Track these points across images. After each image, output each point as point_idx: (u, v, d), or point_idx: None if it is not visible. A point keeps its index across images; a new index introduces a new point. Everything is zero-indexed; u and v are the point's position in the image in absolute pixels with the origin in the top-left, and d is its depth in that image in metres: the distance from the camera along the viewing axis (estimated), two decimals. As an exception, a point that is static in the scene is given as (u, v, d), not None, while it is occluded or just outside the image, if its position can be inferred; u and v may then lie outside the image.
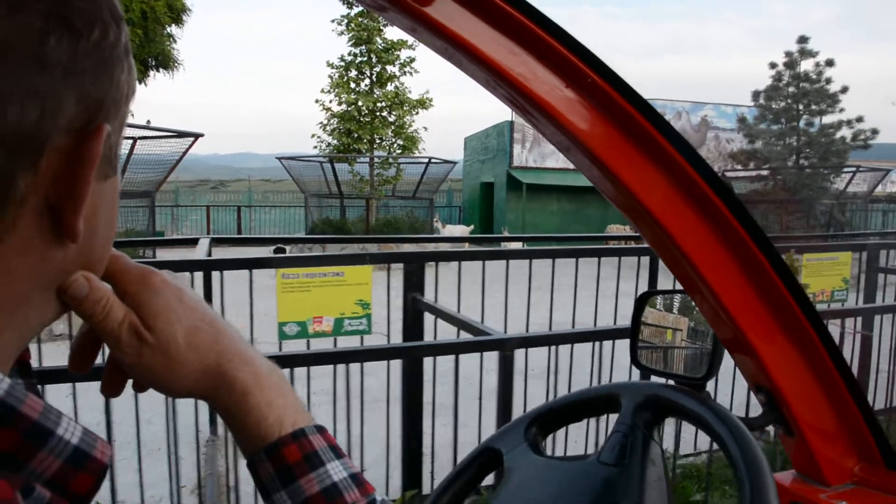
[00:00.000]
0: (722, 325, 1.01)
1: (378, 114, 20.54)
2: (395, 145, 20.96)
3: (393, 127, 20.65)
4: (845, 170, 20.01)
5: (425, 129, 21.19)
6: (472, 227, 23.91)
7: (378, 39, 20.12)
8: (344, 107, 20.44)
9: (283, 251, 9.37)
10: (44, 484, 0.44)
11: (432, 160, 20.22)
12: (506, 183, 24.39)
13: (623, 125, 0.89)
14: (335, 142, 20.78)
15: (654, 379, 1.10)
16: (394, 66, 20.46)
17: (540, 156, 24.41)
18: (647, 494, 0.93)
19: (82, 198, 0.47)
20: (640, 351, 1.13)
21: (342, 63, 20.61)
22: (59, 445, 0.45)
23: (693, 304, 1.07)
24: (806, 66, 20.26)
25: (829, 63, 20.30)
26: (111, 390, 0.63)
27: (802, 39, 20.45)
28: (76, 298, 0.52)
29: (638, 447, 0.96)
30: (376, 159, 20.41)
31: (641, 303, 1.13)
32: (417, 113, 21.00)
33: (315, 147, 21.23)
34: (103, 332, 0.57)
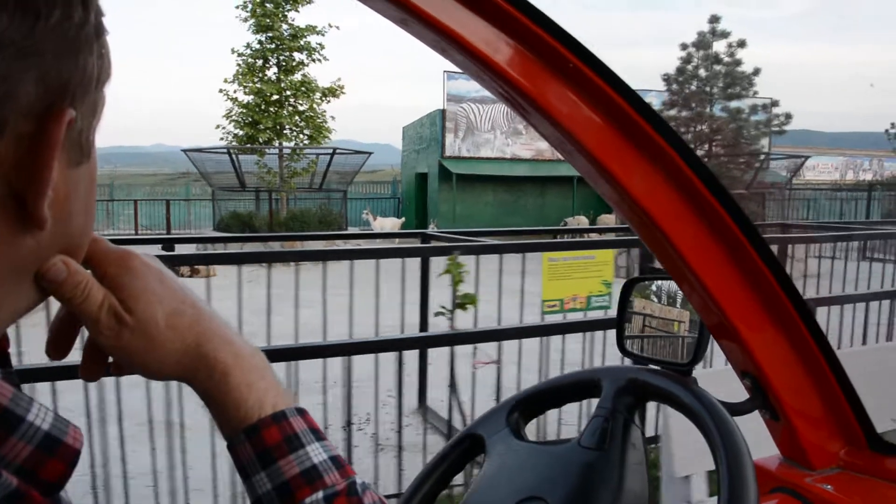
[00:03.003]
0: (708, 312, 1.02)
1: (285, 102, 20.11)
2: (303, 135, 20.52)
3: (301, 116, 20.22)
4: (763, 156, 20.07)
5: (332, 118, 20.86)
6: (402, 219, 23.70)
7: (284, 26, 19.64)
8: (251, 97, 19.94)
9: (172, 250, 8.98)
10: (14, 472, 0.44)
11: (338, 150, 19.80)
12: (438, 173, 23.89)
13: (607, 112, 0.89)
14: (240, 132, 20.28)
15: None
16: (301, 53, 20.03)
17: (474, 145, 23.94)
18: (628, 478, 0.93)
19: (45, 184, 0.45)
20: (626, 338, 1.12)
21: (248, 51, 20.09)
22: (30, 431, 0.45)
23: (679, 290, 1.07)
24: (718, 47, 19.69)
25: (741, 44, 19.66)
26: (89, 374, 0.62)
27: (714, 19, 19.79)
28: (54, 283, 0.52)
29: (619, 431, 0.97)
30: (278, 150, 19.99)
31: (628, 289, 1.13)
32: (329, 101, 20.61)
33: (221, 138, 20.68)
34: (83, 315, 0.56)
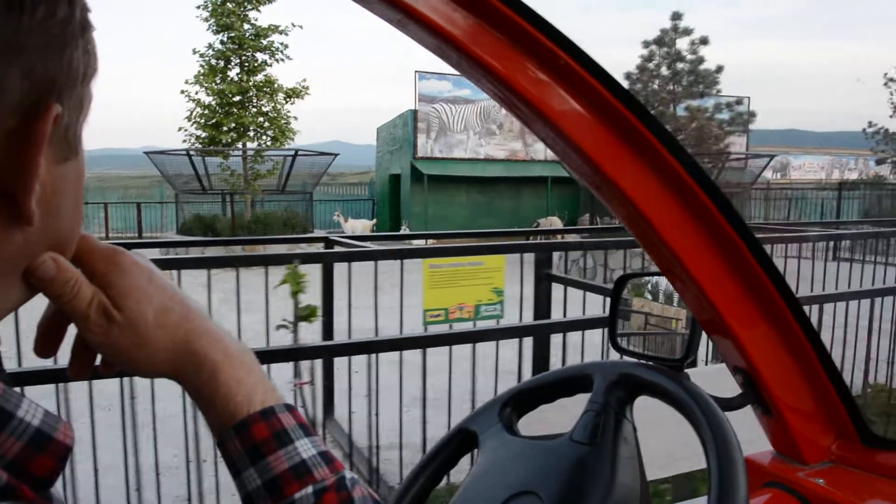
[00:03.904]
0: (700, 308, 1.02)
1: (248, 103, 19.98)
2: (266, 136, 20.40)
3: (265, 117, 20.12)
4: (725, 156, 19.72)
5: (295, 118, 20.79)
6: (375, 221, 23.56)
7: (246, 25, 19.51)
8: (213, 98, 19.78)
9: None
10: (4, 467, 0.44)
11: (299, 152, 19.73)
12: (410, 175, 23.74)
13: (597, 107, 0.89)
14: (202, 134, 20.10)
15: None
16: (264, 53, 19.92)
17: (446, 146, 23.74)
18: (620, 472, 0.93)
19: (32, 179, 0.46)
20: (618, 335, 1.12)
21: (211, 51, 19.92)
22: (20, 427, 0.46)
23: (670, 286, 1.07)
24: (681, 44, 19.59)
25: (704, 41, 19.57)
26: (78, 372, 0.62)
27: (676, 16, 19.69)
28: (43, 280, 0.52)
29: (610, 426, 0.97)
30: (242, 152, 19.85)
31: (620, 286, 1.13)
32: (293, 102, 20.58)
33: (184, 140, 20.47)
34: (72, 313, 0.57)
